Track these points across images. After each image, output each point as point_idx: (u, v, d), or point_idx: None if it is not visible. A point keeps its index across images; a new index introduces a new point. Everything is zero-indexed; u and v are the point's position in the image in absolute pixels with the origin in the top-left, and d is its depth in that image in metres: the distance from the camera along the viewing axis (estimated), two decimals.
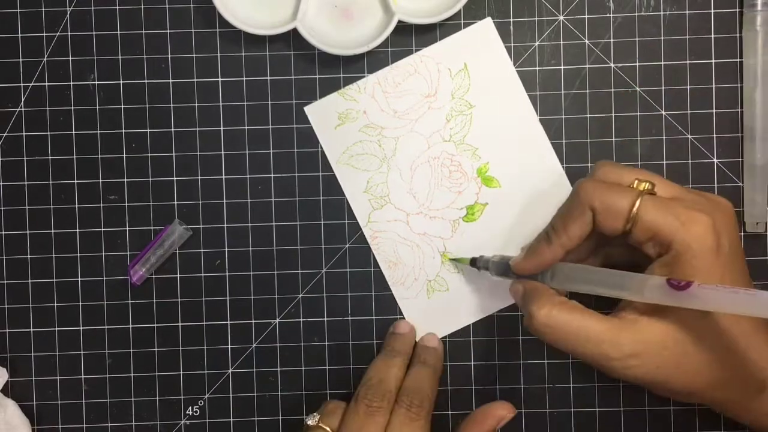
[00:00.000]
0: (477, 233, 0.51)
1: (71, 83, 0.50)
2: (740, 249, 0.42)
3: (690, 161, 0.50)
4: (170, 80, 0.50)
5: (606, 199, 0.41)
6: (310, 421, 0.46)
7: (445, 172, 0.51)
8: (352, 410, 0.45)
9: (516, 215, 0.50)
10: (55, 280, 0.51)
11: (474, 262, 0.49)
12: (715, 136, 0.50)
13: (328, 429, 0.45)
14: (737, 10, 0.50)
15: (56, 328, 0.51)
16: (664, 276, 0.39)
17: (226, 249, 0.51)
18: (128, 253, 0.51)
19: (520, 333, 0.51)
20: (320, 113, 0.50)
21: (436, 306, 0.51)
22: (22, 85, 0.50)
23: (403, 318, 0.51)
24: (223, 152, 0.51)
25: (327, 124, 0.50)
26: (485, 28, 0.50)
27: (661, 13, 0.50)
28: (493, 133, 0.50)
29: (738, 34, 0.50)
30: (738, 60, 0.50)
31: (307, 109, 0.50)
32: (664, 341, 0.40)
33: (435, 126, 0.51)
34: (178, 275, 0.51)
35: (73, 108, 0.51)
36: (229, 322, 0.51)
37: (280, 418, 0.51)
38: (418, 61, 0.50)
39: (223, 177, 0.51)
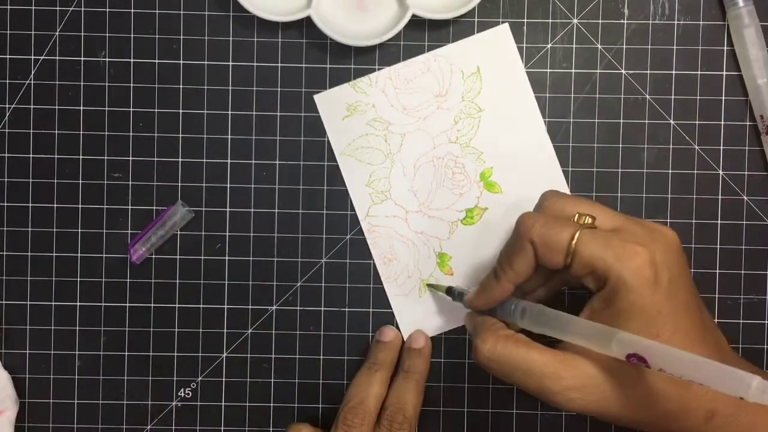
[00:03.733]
0: (474, 237, 0.51)
1: (82, 59, 0.50)
2: (686, 281, 0.40)
3: (696, 172, 0.50)
4: (181, 61, 0.50)
5: (544, 234, 0.41)
6: None
7: (448, 173, 0.51)
8: None
9: (514, 222, 0.50)
10: (54, 254, 0.51)
11: (450, 291, 0.49)
12: (722, 147, 0.50)
13: None
14: None
15: (53, 303, 0.51)
16: (602, 308, 0.40)
17: (227, 233, 0.51)
18: (129, 231, 0.51)
19: None
20: (329, 103, 0.50)
21: (428, 305, 0.51)
22: (32, 57, 0.50)
23: (388, 326, 0.51)
24: (229, 136, 0.51)
25: (335, 115, 0.50)
26: (502, 33, 0.50)
27: (675, 22, 0.50)
28: (499, 139, 0.50)
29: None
30: None
31: (316, 97, 0.50)
32: (603, 376, 0.39)
33: (442, 126, 0.51)
34: (178, 257, 0.51)
35: (82, 83, 0.50)
36: (226, 307, 0.51)
37: (271, 405, 0.51)
38: (432, 60, 0.50)
39: (229, 161, 0.51)
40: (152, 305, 0.51)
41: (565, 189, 0.50)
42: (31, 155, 0.51)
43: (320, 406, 0.51)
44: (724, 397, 0.38)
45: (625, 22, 0.50)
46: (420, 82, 0.50)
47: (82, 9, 0.50)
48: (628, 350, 0.36)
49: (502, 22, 0.50)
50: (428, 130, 0.51)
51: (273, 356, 0.51)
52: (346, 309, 0.51)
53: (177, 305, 0.51)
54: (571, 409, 0.40)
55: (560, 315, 0.41)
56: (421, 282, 0.51)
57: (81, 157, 0.51)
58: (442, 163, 0.51)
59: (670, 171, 0.50)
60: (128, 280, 0.51)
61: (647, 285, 0.39)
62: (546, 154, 0.50)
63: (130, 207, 0.51)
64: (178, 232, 0.51)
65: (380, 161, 0.51)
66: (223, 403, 0.51)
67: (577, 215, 0.41)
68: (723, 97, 0.50)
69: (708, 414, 0.39)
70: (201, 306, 0.51)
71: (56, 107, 0.51)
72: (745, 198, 0.50)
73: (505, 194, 0.51)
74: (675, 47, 0.50)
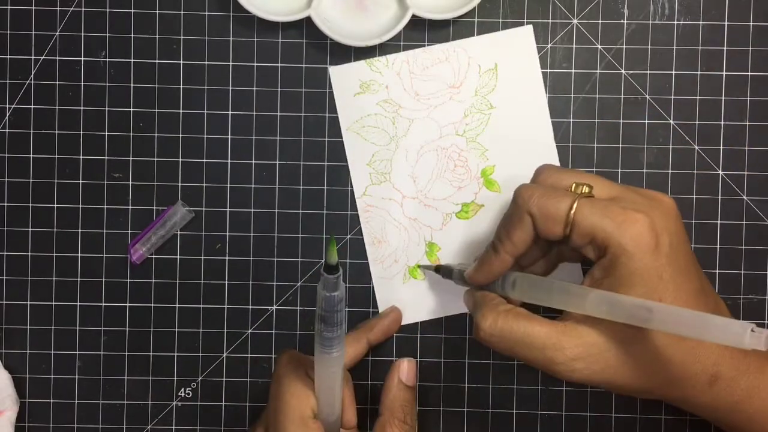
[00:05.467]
0: (466, 231, 0.51)
1: (82, 59, 0.50)
2: (685, 246, 0.41)
3: (695, 172, 0.50)
4: (181, 61, 0.50)
5: (543, 204, 0.41)
6: None
7: (450, 164, 0.51)
8: None
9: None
10: (54, 254, 0.51)
11: (439, 269, 0.49)
12: (722, 148, 0.50)
13: None
14: (750, 23, 0.50)
15: (53, 303, 0.51)
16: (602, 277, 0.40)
17: (227, 233, 0.51)
18: (129, 231, 0.51)
19: None
20: (343, 77, 0.50)
21: (409, 293, 0.51)
22: (33, 57, 0.50)
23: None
24: (229, 136, 0.51)
25: (347, 89, 0.50)
26: (525, 34, 0.50)
27: (675, 22, 0.50)
28: (506, 139, 0.50)
29: (750, 48, 0.50)
30: (748, 74, 0.50)
31: (331, 69, 0.50)
32: (606, 344, 0.39)
33: (452, 118, 0.50)
34: (178, 257, 0.51)
35: (82, 84, 0.51)
36: (226, 306, 0.51)
37: None
38: (451, 51, 0.50)
39: (229, 161, 0.51)
40: (152, 305, 0.51)
41: None
42: (31, 155, 0.51)
43: None
44: (726, 360, 0.39)
45: (625, 22, 0.50)
46: (436, 70, 0.50)
47: (82, 9, 0.50)
48: (635, 312, 0.37)
49: (527, 23, 0.50)
50: (437, 119, 0.51)
51: (273, 356, 0.51)
52: (346, 309, 0.51)
53: (177, 305, 0.51)
54: (576, 380, 0.40)
55: (558, 283, 0.41)
56: (407, 268, 0.51)
57: (81, 157, 0.51)
58: (446, 154, 0.51)
59: (670, 171, 0.50)
60: (128, 280, 0.51)
61: (648, 251, 0.39)
62: (550, 161, 0.50)
63: (130, 207, 0.51)
64: (178, 232, 0.51)
65: (385, 143, 0.51)
66: (223, 403, 0.51)
67: (574, 185, 0.41)
68: (723, 97, 0.50)
69: (711, 378, 0.40)
70: (201, 306, 0.51)
71: (56, 107, 0.51)
72: (745, 198, 0.50)
73: (504, 194, 0.51)
74: (675, 47, 0.50)
